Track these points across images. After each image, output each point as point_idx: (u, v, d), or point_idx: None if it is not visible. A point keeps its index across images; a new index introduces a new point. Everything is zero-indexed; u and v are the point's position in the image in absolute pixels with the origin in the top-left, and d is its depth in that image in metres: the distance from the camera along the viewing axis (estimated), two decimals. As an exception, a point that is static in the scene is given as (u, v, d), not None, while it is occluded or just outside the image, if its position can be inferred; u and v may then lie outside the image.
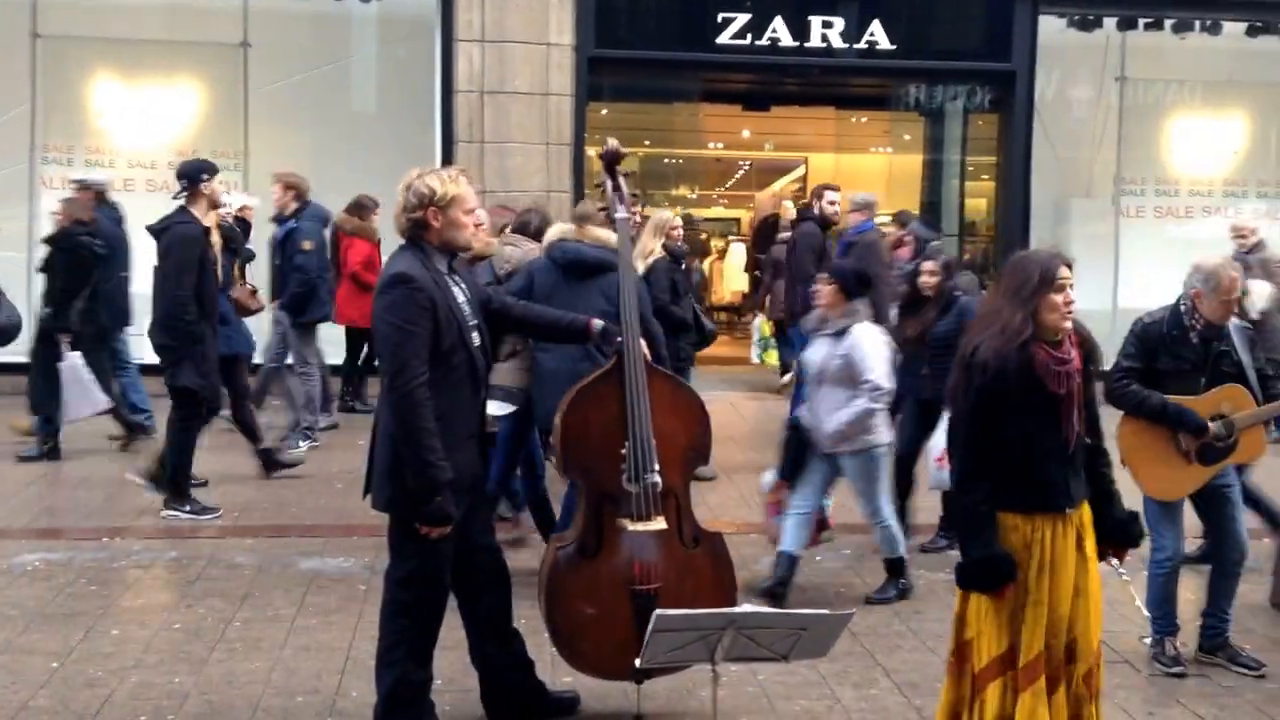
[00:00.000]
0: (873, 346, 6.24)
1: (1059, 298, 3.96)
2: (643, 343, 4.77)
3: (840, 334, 6.28)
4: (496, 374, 6.09)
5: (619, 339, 4.71)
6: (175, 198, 7.97)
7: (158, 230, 7.71)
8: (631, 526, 4.68)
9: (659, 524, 4.70)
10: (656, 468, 4.67)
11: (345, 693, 5.18)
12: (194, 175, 7.82)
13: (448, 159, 12.37)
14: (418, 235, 4.36)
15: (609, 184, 5.06)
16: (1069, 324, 4.01)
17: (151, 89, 12.80)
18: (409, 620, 4.49)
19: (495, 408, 6.68)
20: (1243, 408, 5.50)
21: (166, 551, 7.14)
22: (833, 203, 10.33)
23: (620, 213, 5.00)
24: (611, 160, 5.04)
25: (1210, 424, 5.41)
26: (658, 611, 3.83)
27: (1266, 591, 6.65)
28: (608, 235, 6.14)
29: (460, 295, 4.43)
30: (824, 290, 6.38)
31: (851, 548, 7.50)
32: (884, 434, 6.41)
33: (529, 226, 7.23)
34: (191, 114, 12.93)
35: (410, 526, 4.34)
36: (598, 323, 4.75)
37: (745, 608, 3.94)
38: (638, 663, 4.01)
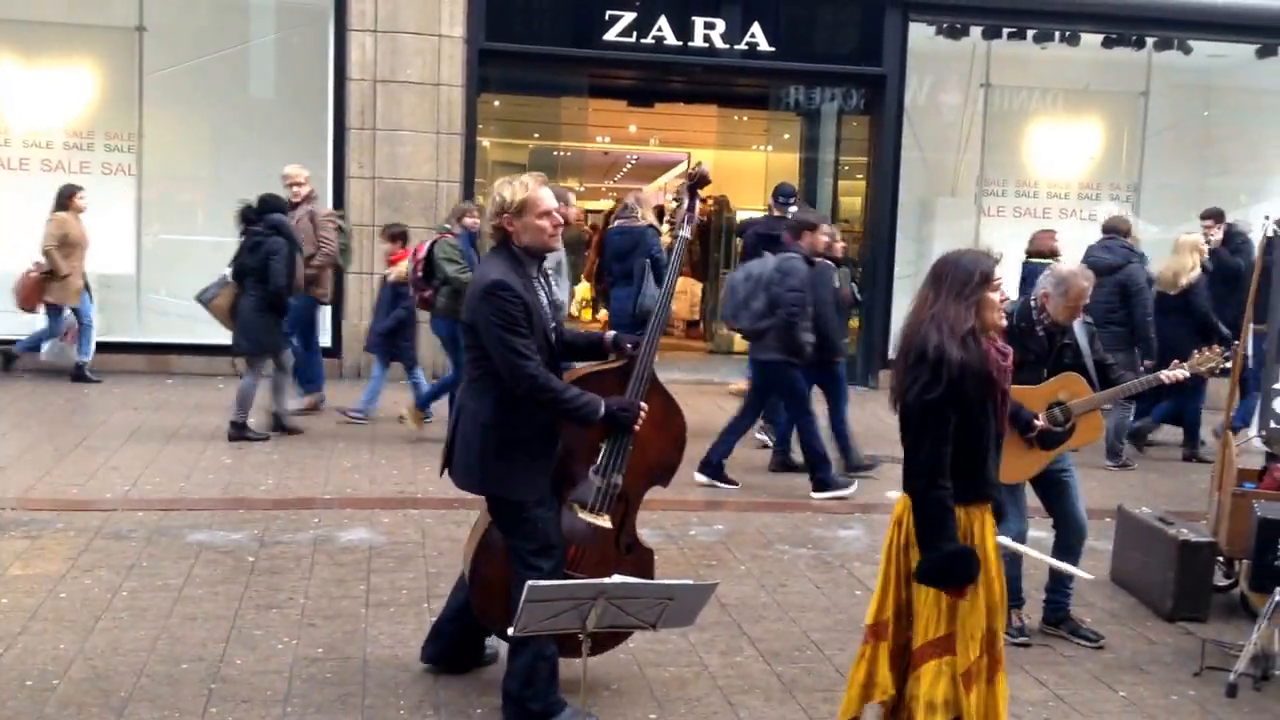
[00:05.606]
0: None
1: (996, 296, 4.12)
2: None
3: None
4: None
5: (629, 346, 4.92)
6: None
7: None
8: (581, 514, 4.89)
9: (604, 522, 4.91)
10: (624, 471, 4.88)
11: (230, 660, 5.28)
12: None
13: (340, 146, 12.54)
14: (505, 240, 4.69)
15: (685, 202, 5.29)
16: (1004, 320, 4.19)
17: (47, 70, 12.63)
18: None
19: None
20: (1079, 395, 5.89)
21: (54, 522, 7.17)
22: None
23: (684, 231, 5.23)
24: (698, 183, 5.29)
25: (1040, 416, 5.72)
26: (530, 583, 3.94)
27: (1106, 567, 7.08)
28: None
29: (544, 298, 4.76)
30: None
31: (724, 523, 7.86)
32: None
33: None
34: (87, 96, 12.78)
35: (512, 505, 4.67)
36: (609, 334, 5.07)
37: (614, 578, 4.09)
38: (510, 631, 4.11)
